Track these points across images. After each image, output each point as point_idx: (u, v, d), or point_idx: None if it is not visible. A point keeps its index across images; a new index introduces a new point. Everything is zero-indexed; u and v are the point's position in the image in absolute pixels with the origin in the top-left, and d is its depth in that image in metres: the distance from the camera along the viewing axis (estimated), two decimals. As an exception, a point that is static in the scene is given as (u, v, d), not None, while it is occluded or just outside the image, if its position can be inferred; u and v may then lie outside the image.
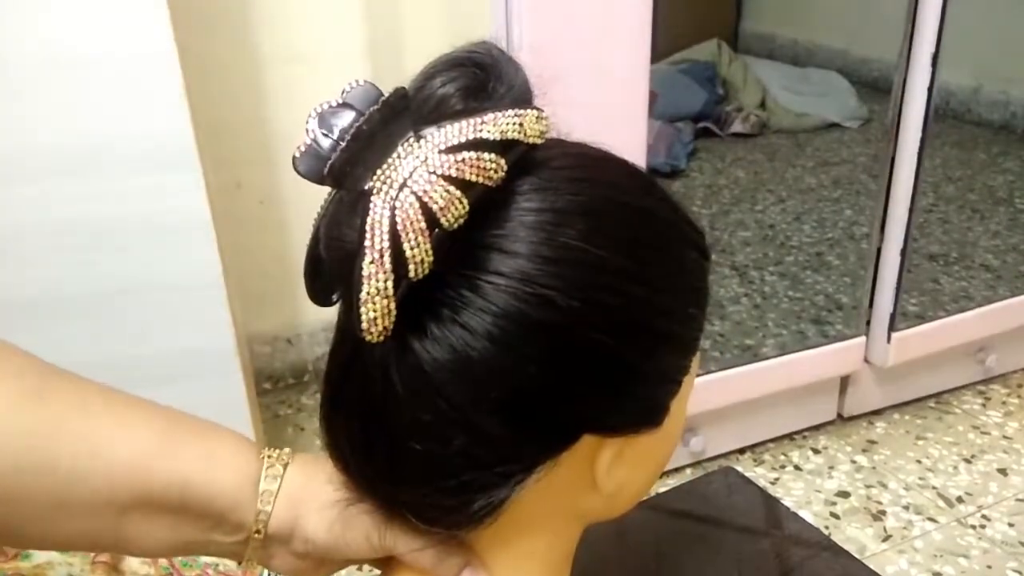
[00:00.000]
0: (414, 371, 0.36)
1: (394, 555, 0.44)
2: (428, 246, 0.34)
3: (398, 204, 0.34)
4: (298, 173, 0.35)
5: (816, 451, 1.54)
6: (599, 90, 1.05)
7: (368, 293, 0.34)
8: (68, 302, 1.12)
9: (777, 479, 1.47)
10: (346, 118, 0.34)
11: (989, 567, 1.27)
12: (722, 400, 1.41)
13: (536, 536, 0.44)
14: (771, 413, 1.52)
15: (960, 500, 1.41)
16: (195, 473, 0.42)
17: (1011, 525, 1.35)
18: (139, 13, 1.03)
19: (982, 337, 1.61)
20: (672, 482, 1.44)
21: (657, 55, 1.09)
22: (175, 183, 1.10)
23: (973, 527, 1.35)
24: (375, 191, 0.34)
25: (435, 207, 0.34)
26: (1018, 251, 1.83)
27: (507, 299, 0.36)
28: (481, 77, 0.37)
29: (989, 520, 1.36)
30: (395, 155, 0.34)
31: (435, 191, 0.34)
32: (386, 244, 0.34)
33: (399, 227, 0.34)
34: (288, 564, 0.45)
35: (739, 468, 1.44)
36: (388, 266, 0.34)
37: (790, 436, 1.57)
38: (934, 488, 1.44)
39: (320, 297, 0.38)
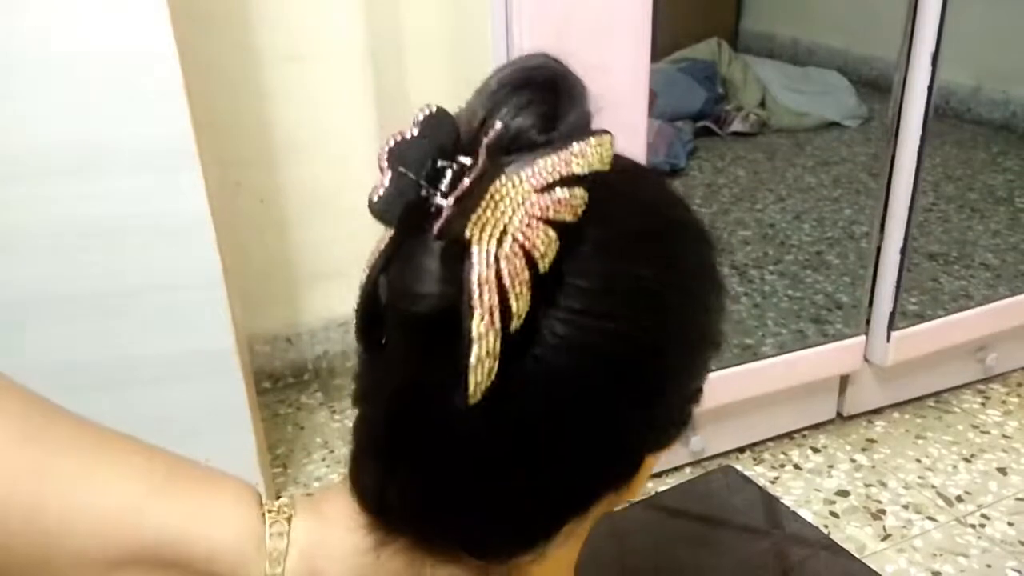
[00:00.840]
0: (501, 414, 0.35)
1: None
2: (529, 295, 0.32)
3: (504, 255, 0.31)
4: (376, 215, 0.32)
5: (816, 450, 1.54)
6: (599, 90, 1.04)
7: (478, 356, 0.32)
8: (68, 302, 1.12)
9: (777, 478, 1.47)
10: (422, 150, 0.32)
11: (988, 566, 1.27)
12: (722, 399, 1.41)
13: (570, 546, 0.44)
14: (771, 412, 1.52)
15: (959, 499, 1.41)
16: (191, 530, 0.39)
17: (1010, 524, 1.35)
18: (139, 13, 1.03)
19: (982, 336, 1.61)
20: (672, 481, 1.44)
21: (657, 54, 1.09)
22: (175, 183, 1.10)
23: (972, 526, 1.35)
24: (474, 239, 0.31)
25: (536, 254, 0.32)
26: (1018, 250, 1.83)
27: (588, 335, 0.35)
28: (551, 100, 0.35)
29: (988, 519, 1.36)
30: (488, 197, 0.32)
31: (537, 237, 0.32)
32: (496, 300, 0.31)
33: (506, 280, 0.31)
34: None
35: (739, 467, 1.44)
36: (498, 324, 0.32)
37: (790, 435, 1.57)
38: (933, 487, 1.44)
39: (372, 343, 0.36)
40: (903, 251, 1.45)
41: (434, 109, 0.33)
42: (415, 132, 0.33)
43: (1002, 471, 1.47)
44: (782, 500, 0.89)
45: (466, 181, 0.31)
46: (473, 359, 0.32)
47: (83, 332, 1.14)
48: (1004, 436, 1.56)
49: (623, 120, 1.15)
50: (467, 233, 0.31)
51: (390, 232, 0.34)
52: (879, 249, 1.47)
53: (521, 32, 1.01)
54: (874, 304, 1.50)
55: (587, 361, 0.35)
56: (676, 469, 1.47)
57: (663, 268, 0.38)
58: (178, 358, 1.19)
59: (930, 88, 1.33)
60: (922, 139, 1.37)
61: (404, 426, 0.37)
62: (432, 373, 0.34)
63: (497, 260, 0.31)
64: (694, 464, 1.49)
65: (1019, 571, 1.26)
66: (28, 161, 1.06)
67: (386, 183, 0.32)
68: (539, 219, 0.32)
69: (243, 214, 1.56)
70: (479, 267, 0.31)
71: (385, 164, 0.32)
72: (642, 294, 0.37)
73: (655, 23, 1.06)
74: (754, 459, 1.52)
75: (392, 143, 0.32)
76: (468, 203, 0.31)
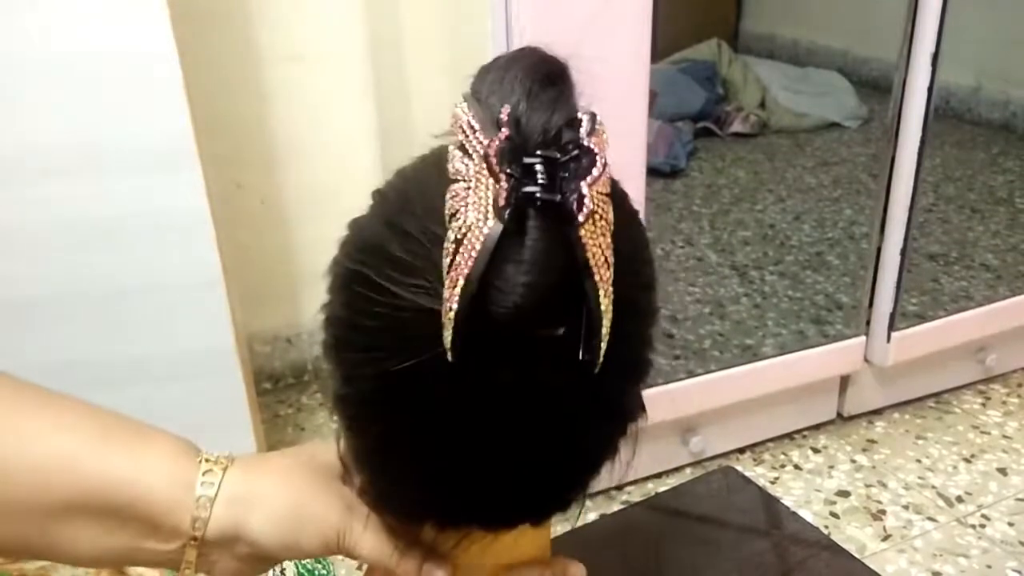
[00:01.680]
0: (595, 383, 0.37)
1: (348, 555, 0.44)
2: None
3: (602, 234, 0.34)
4: (504, 217, 0.33)
5: (816, 450, 1.54)
6: (599, 90, 1.04)
7: (606, 328, 0.34)
8: (68, 302, 1.12)
9: (777, 478, 1.47)
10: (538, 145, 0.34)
11: (989, 567, 1.27)
12: (722, 400, 1.41)
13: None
14: (771, 413, 1.52)
15: (960, 500, 1.41)
16: (124, 476, 0.41)
17: (1011, 525, 1.35)
18: (139, 12, 1.03)
19: (982, 337, 1.61)
20: (672, 482, 1.44)
21: (657, 55, 1.09)
22: (175, 183, 1.10)
23: (973, 527, 1.35)
24: (581, 224, 0.33)
25: (610, 229, 0.35)
26: (1018, 251, 1.83)
27: (638, 293, 0.39)
28: (571, 90, 0.38)
29: (989, 520, 1.36)
30: (575, 183, 0.34)
31: (609, 212, 0.35)
32: (609, 275, 0.34)
33: (606, 258, 0.34)
34: (229, 568, 0.44)
35: (739, 468, 1.44)
36: (612, 296, 0.34)
37: (790, 436, 1.57)
38: (934, 487, 1.44)
39: (470, 347, 0.34)
40: (903, 252, 1.45)
41: (518, 109, 0.35)
42: (506, 132, 0.34)
43: (1002, 471, 1.47)
44: (782, 500, 0.89)
45: (592, 176, 0.33)
46: (604, 331, 0.34)
47: (83, 332, 1.14)
48: (1004, 436, 1.56)
49: (623, 120, 1.15)
50: (582, 222, 0.33)
51: (483, 231, 0.33)
52: (879, 249, 1.47)
53: (521, 32, 1.01)
54: (874, 304, 1.50)
55: (629, 312, 0.38)
56: (676, 469, 1.47)
57: (639, 225, 0.42)
58: (178, 358, 1.19)
59: (930, 88, 1.33)
60: (922, 139, 1.37)
61: (516, 409, 0.37)
62: (555, 361, 0.35)
63: (603, 236, 0.34)
64: (694, 464, 1.49)
65: (1019, 571, 1.26)
66: (28, 161, 1.06)
67: (510, 184, 0.33)
68: (607, 195, 0.35)
69: (243, 214, 1.56)
70: (593, 247, 0.33)
71: (501, 164, 0.33)
72: (642, 247, 0.41)
73: (655, 23, 1.06)
74: (754, 459, 1.52)
75: (496, 145, 0.33)
76: (597, 187, 0.33)
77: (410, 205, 0.38)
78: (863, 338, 1.51)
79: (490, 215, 0.33)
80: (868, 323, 1.51)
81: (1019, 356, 1.73)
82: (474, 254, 0.33)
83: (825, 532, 1.23)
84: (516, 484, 0.39)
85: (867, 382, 1.59)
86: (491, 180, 0.33)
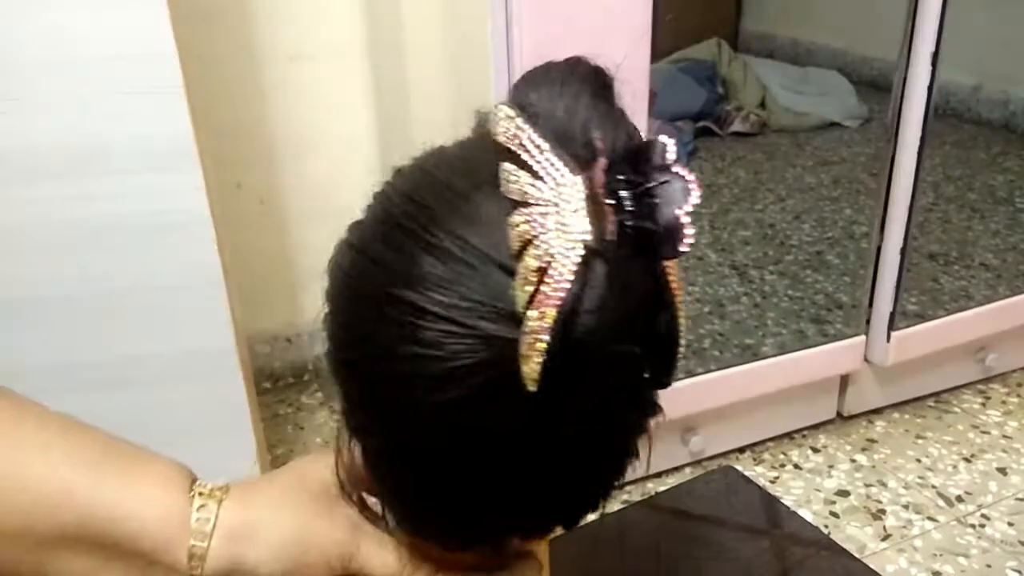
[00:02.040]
0: (650, 398, 0.38)
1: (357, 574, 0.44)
2: None
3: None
4: (606, 252, 0.32)
5: (816, 450, 1.54)
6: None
7: (681, 345, 0.35)
8: (68, 302, 1.12)
9: (776, 478, 1.47)
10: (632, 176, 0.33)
11: (989, 566, 1.27)
12: (721, 399, 1.41)
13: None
14: (770, 412, 1.52)
15: (960, 499, 1.41)
16: (117, 511, 0.40)
17: (1011, 524, 1.35)
18: (139, 12, 1.03)
19: (982, 336, 1.61)
20: (672, 481, 1.44)
21: (657, 54, 1.09)
22: (175, 183, 1.10)
23: (973, 526, 1.35)
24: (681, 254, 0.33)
25: None
26: (1018, 250, 1.83)
27: None
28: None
29: (989, 519, 1.36)
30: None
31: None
32: (682, 296, 0.35)
33: (678, 280, 0.35)
34: None
35: (739, 467, 1.44)
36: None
37: (789, 435, 1.57)
38: (934, 487, 1.44)
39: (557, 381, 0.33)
40: (903, 251, 1.45)
41: (594, 130, 0.34)
42: (605, 162, 0.33)
43: (1002, 471, 1.47)
44: (782, 500, 0.89)
45: (691, 203, 0.32)
46: (681, 348, 0.35)
47: (83, 332, 1.14)
48: (1004, 436, 1.56)
49: (623, 120, 1.15)
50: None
51: (574, 260, 0.32)
52: (879, 249, 1.47)
53: (521, 32, 1.01)
54: (874, 304, 1.50)
55: None
56: (676, 469, 1.47)
57: None
58: (178, 358, 1.19)
59: (930, 88, 1.33)
60: (922, 139, 1.37)
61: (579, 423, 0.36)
62: (628, 381, 0.35)
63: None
64: (694, 464, 1.49)
65: (1019, 571, 1.26)
66: (28, 161, 1.06)
67: (615, 218, 0.32)
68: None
69: (243, 214, 1.56)
70: (672, 271, 0.35)
71: (606, 195, 0.32)
72: None
73: (655, 23, 1.06)
74: (754, 459, 1.52)
75: (599, 175, 0.32)
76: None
77: (443, 221, 0.35)
78: (863, 338, 1.51)
79: (576, 243, 0.31)
80: (868, 322, 1.51)
81: (1019, 356, 1.73)
82: (565, 285, 0.31)
83: (825, 532, 1.23)
84: (564, 494, 0.39)
85: (867, 382, 1.59)
86: (583, 207, 0.32)
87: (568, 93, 0.35)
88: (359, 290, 0.39)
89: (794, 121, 2.44)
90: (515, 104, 0.36)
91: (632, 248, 0.32)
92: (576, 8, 1.02)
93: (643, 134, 0.35)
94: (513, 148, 0.34)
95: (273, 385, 1.72)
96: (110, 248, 1.11)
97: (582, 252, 0.31)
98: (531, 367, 0.32)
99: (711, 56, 2.49)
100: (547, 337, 0.31)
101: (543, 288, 0.31)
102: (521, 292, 0.32)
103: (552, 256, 0.31)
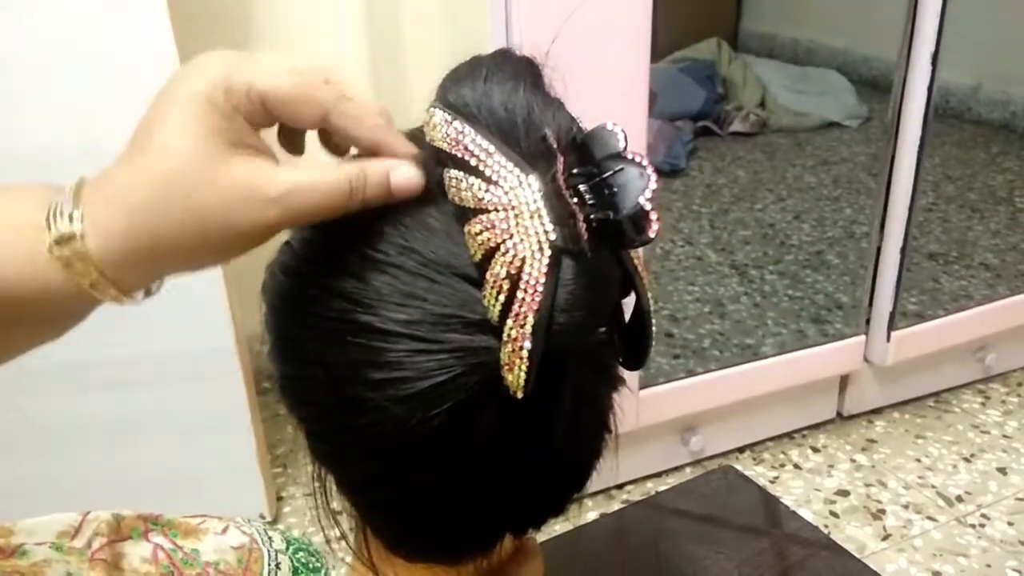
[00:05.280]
0: (619, 382, 0.39)
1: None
2: None
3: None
4: (580, 248, 0.31)
5: (815, 450, 1.54)
6: (599, 90, 1.05)
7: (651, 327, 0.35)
8: (68, 302, 1.12)
9: (776, 478, 1.47)
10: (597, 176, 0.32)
11: (988, 566, 1.27)
12: (722, 399, 1.41)
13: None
14: (771, 412, 1.52)
15: (959, 499, 1.41)
16: None
17: (1010, 524, 1.35)
18: (139, 13, 1.03)
19: (982, 336, 1.61)
20: (672, 481, 1.44)
21: (657, 54, 1.09)
22: (175, 183, 1.10)
23: (972, 526, 1.35)
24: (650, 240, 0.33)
25: None
26: (1018, 250, 1.83)
27: None
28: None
29: (988, 519, 1.36)
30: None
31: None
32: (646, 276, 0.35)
33: (641, 260, 0.35)
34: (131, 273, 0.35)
35: (739, 467, 1.44)
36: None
37: (789, 435, 1.57)
38: (933, 487, 1.44)
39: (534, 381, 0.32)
40: (903, 251, 1.45)
41: (536, 122, 0.32)
42: (562, 159, 0.31)
43: (1002, 471, 1.47)
44: (782, 500, 0.89)
45: (650, 189, 0.30)
46: (653, 331, 0.35)
47: (83, 332, 1.13)
48: (1004, 436, 1.56)
49: (623, 120, 1.15)
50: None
51: (543, 263, 0.31)
52: (879, 249, 1.47)
53: (521, 32, 1.01)
54: (874, 304, 1.50)
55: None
56: (676, 469, 1.47)
57: None
58: (178, 358, 1.19)
59: (930, 88, 1.33)
60: (922, 139, 1.37)
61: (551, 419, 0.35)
62: (602, 370, 0.36)
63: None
64: (694, 464, 1.49)
65: (1019, 571, 1.26)
66: (28, 161, 1.06)
67: (583, 214, 0.31)
68: None
69: (243, 214, 1.56)
70: (636, 254, 0.35)
71: (570, 196, 0.31)
72: None
73: (655, 23, 1.06)
74: (754, 459, 1.52)
75: (560, 173, 0.31)
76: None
77: (388, 235, 0.33)
78: (863, 337, 1.51)
79: (544, 245, 0.30)
80: (868, 322, 1.51)
81: (1019, 355, 1.73)
82: (540, 288, 0.30)
83: (825, 531, 1.23)
84: (553, 487, 0.39)
85: (867, 381, 1.59)
86: (542, 206, 0.31)
87: (503, 88, 0.33)
88: (306, 319, 0.36)
89: (794, 121, 2.44)
90: (447, 106, 0.34)
91: (599, 241, 0.31)
92: (576, 8, 1.02)
93: (619, 127, 0.32)
94: (457, 154, 0.32)
95: (273, 385, 1.72)
96: (110, 248, 1.11)
97: (550, 253, 0.30)
98: (516, 375, 0.31)
99: (711, 56, 2.49)
100: (529, 344, 0.30)
101: (518, 295, 0.30)
102: (494, 300, 0.31)
103: (523, 261, 0.30)
